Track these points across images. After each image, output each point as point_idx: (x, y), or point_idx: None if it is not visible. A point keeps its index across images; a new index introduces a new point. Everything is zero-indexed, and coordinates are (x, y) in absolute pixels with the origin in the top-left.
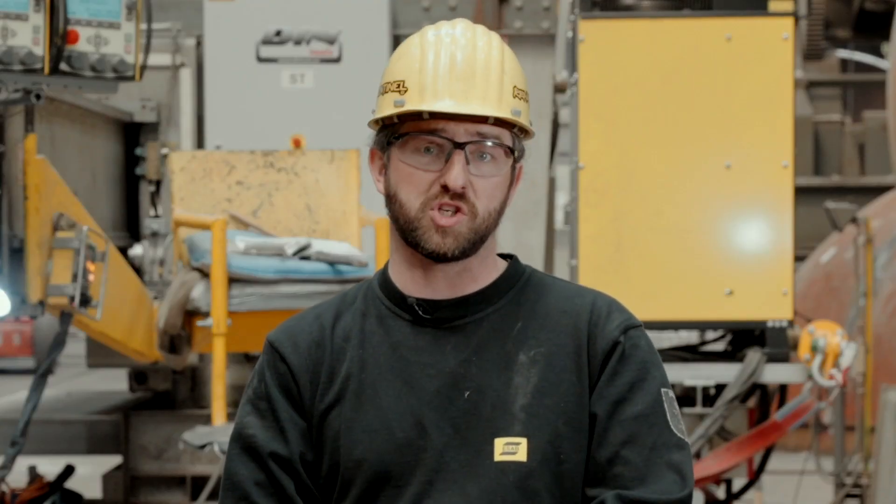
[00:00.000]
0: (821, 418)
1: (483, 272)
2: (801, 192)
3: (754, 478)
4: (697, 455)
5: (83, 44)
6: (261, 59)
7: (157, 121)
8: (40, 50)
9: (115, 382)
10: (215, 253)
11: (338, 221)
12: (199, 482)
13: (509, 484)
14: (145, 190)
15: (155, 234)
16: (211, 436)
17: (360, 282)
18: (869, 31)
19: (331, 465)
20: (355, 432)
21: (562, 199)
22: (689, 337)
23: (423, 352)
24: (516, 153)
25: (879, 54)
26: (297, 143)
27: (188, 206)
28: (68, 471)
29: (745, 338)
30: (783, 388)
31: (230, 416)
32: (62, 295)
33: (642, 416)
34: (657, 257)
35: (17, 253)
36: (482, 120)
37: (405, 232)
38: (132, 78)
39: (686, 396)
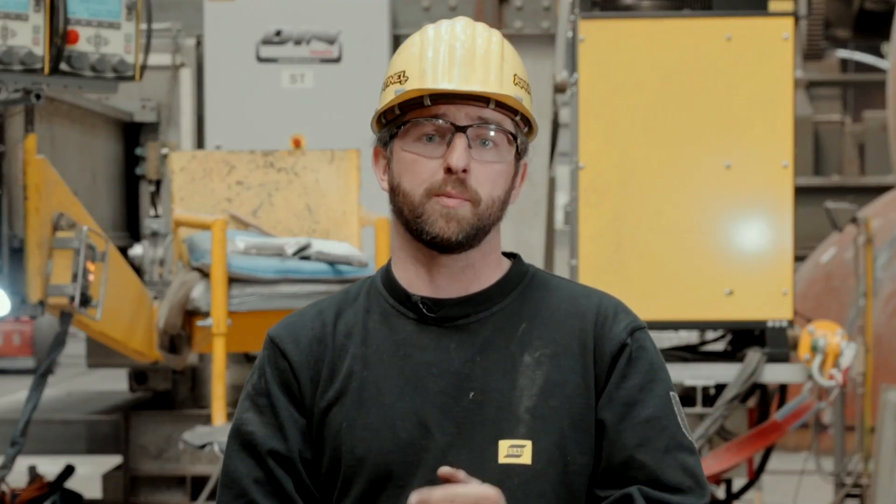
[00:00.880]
0: (821, 418)
1: (486, 270)
2: (801, 192)
3: (754, 478)
4: None
5: (83, 44)
6: (261, 59)
7: (157, 121)
8: (40, 50)
9: (115, 382)
10: (215, 253)
11: (338, 221)
12: (199, 482)
13: (514, 487)
14: (145, 190)
15: (155, 234)
16: (211, 436)
17: (362, 279)
18: (869, 31)
19: (331, 462)
20: (357, 430)
21: (562, 199)
22: (689, 337)
23: (426, 350)
24: (520, 144)
25: (879, 54)
26: (297, 143)
27: (188, 206)
28: (68, 471)
29: (745, 338)
30: (783, 388)
31: (230, 417)
32: (62, 295)
33: (654, 418)
34: (657, 257)
35: (17, 253)
36: (483, 104)
37: (409, 221)
38: (132, 78)
39: (686, 396)
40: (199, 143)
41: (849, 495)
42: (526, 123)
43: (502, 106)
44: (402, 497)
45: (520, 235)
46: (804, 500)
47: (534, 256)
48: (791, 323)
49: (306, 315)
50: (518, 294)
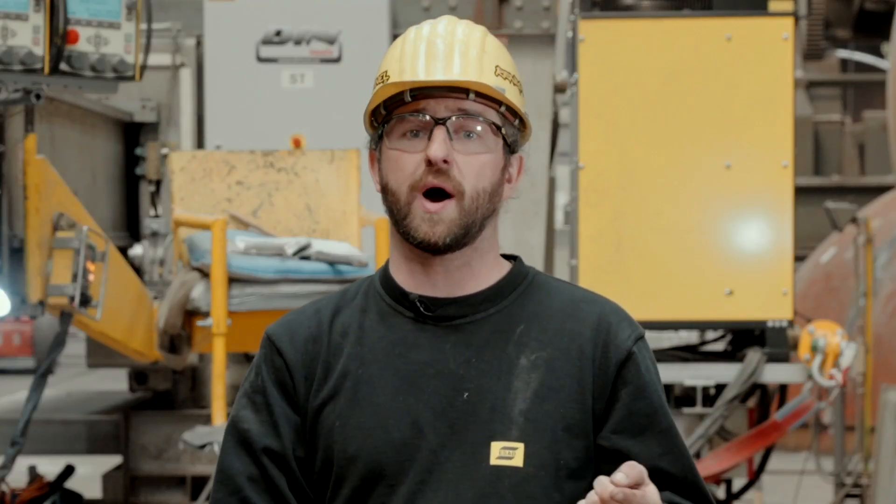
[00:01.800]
0: (821, 418)
1: (484, 270)
2: (801, 192)
3: (754, 478)
4: (697, 455)
5: (83, 44)
6: (261, 59)
7: (157, 121)
8: (40, 50)
9: (115, 382)
10: (215, 253)
11: (338, 221)
12: (199, 482)
13: (505, 489)
14: (145, 190)
15: (155, 234)
16: (211, 436)
17: (361, 279)
18: (869, 31)
19: (324, 460)
20: (350, 429)
21: (562, 199)
22: (689, 337)
23: (422, 350)
24: (507, 136)
25: (879, 54)
26: (297, 143)
27: (188, 206)
28: (68, 471)
29: (745, 338)
30: (783, 388)
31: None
32: (62, 295)
33: (670, 427)
34: (657, 257)
35: (17, 253)
36: (464, 96)
37: (398, 222)
38: (132, 78)
39: (686, 396)
40: (199, 143)
41: (849, 495)
42: (515, 117)
43: (485, 97)
44: (393, 496)
45: (520, 235)
46: (804, 500)
47: (534, 256)
48: (791, 323)
49: (304, 314)
50: (517, 296)
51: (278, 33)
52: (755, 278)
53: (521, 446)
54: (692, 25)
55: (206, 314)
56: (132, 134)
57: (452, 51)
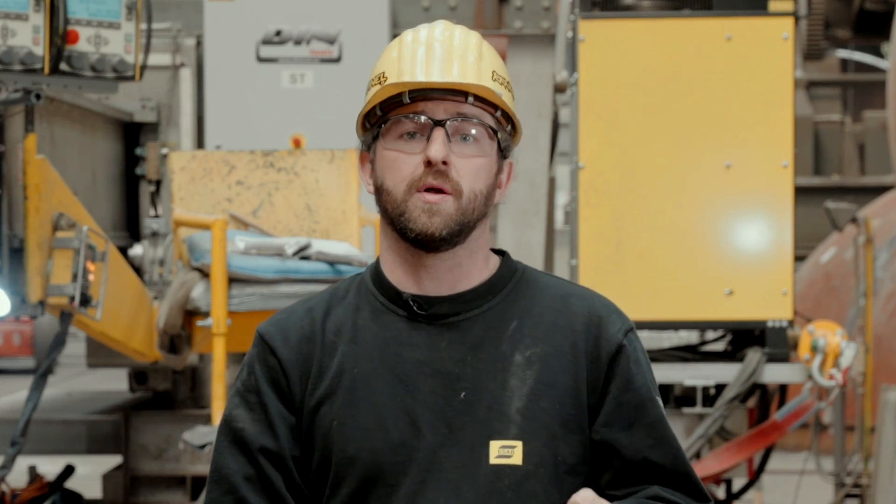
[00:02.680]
0: (821, 418)
1: (474, 269)
2: (801, 192)
3: (754, 478)
4: (697, 455)
5: (83, 44)
6: (261, 59)
7: (157, 121)
8: (40, 50)
9: (115, 382)
10: (215, 253)
11: (338, 221)
12: (199, 482)
13: (504, 487)
14: (145, 190)
15: (155, 234)
16: (211, 436)
17: (350, 276)
18: (869, 31)
19: (321, 460)
20: (348, 429)
21: (562, 199)
22: (689, 337)
23: (417, 349)
24: (501, 141)
25: (879, 54)
26: (297, 143)
27: (188, 206)
28: (68, 471)
29: (745, 338)
30: (783, 388)
31: None
32: (62, 295)
33: (660, 419)
34: (657, 257)
35: (17, 253)
36: (462, 99)
37: (394, 220)
38: (132, 78)
39: (686, 396)
40: (199, 143)
41: (849, 495)
42: (508, 122)
43: (482, 101)
44: (392, 496)
45: (520, 235)
46: (804, 500)
47: (534, 256)
48: (791, 323)
49: (296, 312)
50: (508, 292)
51: (278, 33)
52: (755, 278)
53: (519, 444)
54: (692, 25)
55: (206, 314)
56: (132, 134)
57: (451, 54)
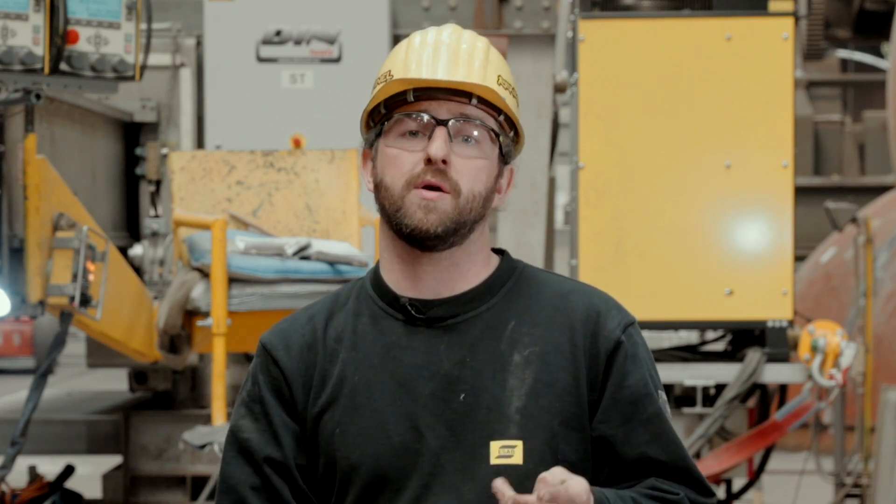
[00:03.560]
0: (821, 418)
1: (473, 270)
2: (801, 192)
3: (754, 478)
4: (697, 455)
5: (83, 44)
6: (261, 59)
7: (157, 121)
8: (40, 50)
9: (115, 382)
10: (215, 253)
11: (338, 221)
12: (199, 482)
13: None
14: (145, 190)
15: (155, 234)
16: (211, 436)
17: (352, 281)
18: (869, 31)
19: (326, 468)
20: (351, 435)
21: (562, 199)
22: (689, 337)
23: (416, 352)
24: (503, 145)
25: (879, 54)
26: (297, 143)
27: (188, 206)
28: (68, 471)
29: (745, 338)
30: (783, 388)
31: (230, 416)
32: (62, 295)
33: (658, 414)
34: (657, 257)
35: (17, 253)
36: (466, 101)
37: (390, 216)
38: (132, 78)
39: (686, 396)
40: (199, 143)
41: (849, 495)
42: (511, 128)
43: (486, 104)
44: (397, 500)
45: (520, 235)
46: (804, 500)
47: (534, 256)
48: (791, 323)
49: (297, 321)
50: (506, 292)
51: (278, 33)
52: (755, 278)
53: (519, 444)
54: (692, 25)
55: (206, 314)
56: (132, 134)
57: (458, 56)
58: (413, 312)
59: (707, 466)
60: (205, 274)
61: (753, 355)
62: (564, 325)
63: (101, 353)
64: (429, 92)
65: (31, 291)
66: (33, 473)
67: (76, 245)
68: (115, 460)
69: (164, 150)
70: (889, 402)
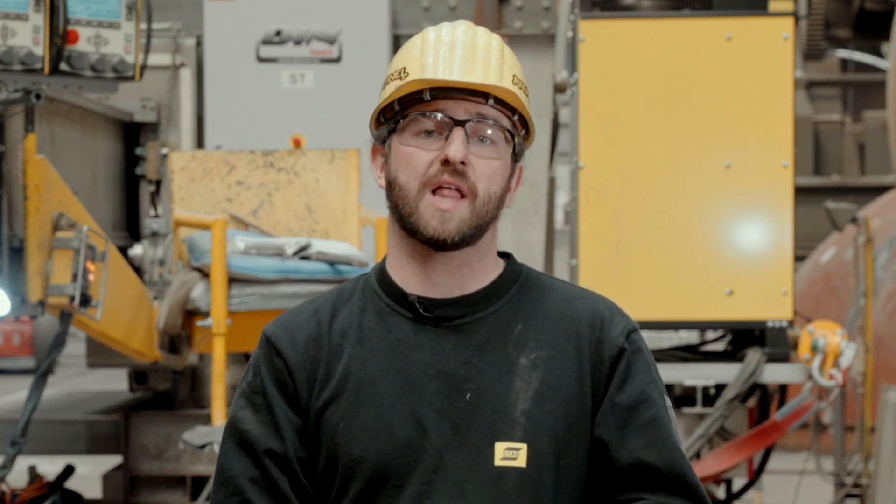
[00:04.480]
0: (821, 418)
1: (482, 270)
2: (801, 192)
3: (754, 478)
4: (697, 455)
5: (83, 44)
6: (261, 59)
7: (157, 121)
8: (40, 50)
9: (115, 382)
10: (215, 253)
11: (338, 221)
12: (199, 482)
13: (509, 490)
14: (145, 190)
15: (155, 234)
16: (211, 436)
17: (356, 277)
18: (869, 31)
19: (328, 462)
20: (354, 430)
21: (562, 199)
22: (689, 337)
23: (423, 350)
24: (517, 145)
25: (879, 54)
26: (297, 143)
27: (188, 206)
28: (68, 471)
29: (745, 338)
30: (783, 388)
31: None
32: (62, 295)
33: (657, 420)
34: (657, 257)
35: (17, 253)
36: (482, 101)
37: (404, 217)
38: (132, 78)
39: (686, 396)
40: (199, 143)
41: (849, 495)
42: (524, 126)
43: (501, 104)
44: (399, 497)
45: (520, 235)
46: (804, 500)
47: (534, 256)
48: (791, 323)
49: (302, 314)
50: (513, 295)
51: (278, 33)
52: (755, 278)
53: (524, 447)
54: (692, 25)
55: (206, 314)
56: (132, 134)
57: (474, 55)
58: (421, 311)
59: (707, 466)
60: (205, 274)
61: (753, 355)
62: (570, 331)
63: (101, 353)
64: (445, 91)
65: (31, 291)
66: (33, 473)
67: (76, 245)
68: (115, 460)
69: (164, 150)
70: (889, 402)
